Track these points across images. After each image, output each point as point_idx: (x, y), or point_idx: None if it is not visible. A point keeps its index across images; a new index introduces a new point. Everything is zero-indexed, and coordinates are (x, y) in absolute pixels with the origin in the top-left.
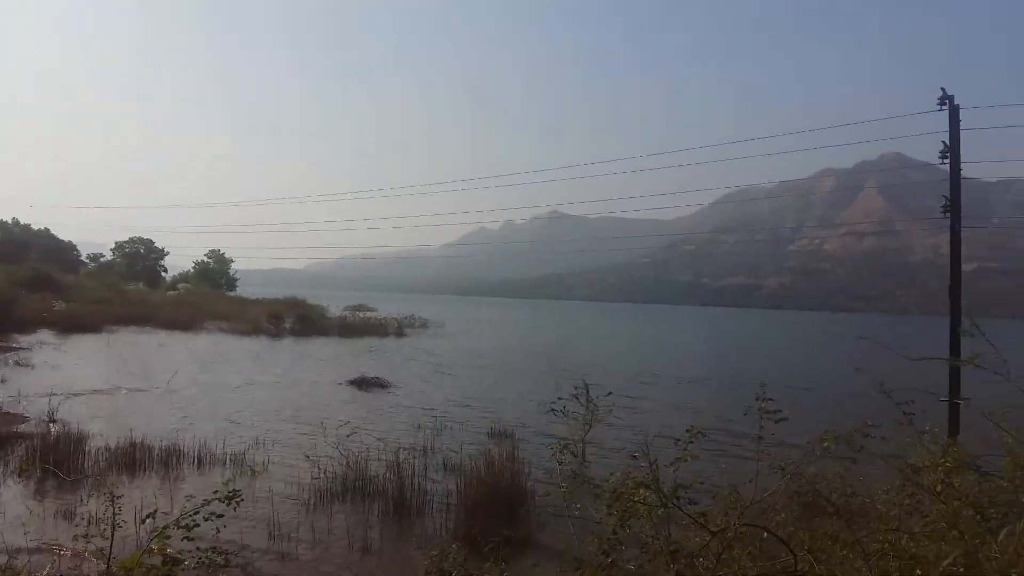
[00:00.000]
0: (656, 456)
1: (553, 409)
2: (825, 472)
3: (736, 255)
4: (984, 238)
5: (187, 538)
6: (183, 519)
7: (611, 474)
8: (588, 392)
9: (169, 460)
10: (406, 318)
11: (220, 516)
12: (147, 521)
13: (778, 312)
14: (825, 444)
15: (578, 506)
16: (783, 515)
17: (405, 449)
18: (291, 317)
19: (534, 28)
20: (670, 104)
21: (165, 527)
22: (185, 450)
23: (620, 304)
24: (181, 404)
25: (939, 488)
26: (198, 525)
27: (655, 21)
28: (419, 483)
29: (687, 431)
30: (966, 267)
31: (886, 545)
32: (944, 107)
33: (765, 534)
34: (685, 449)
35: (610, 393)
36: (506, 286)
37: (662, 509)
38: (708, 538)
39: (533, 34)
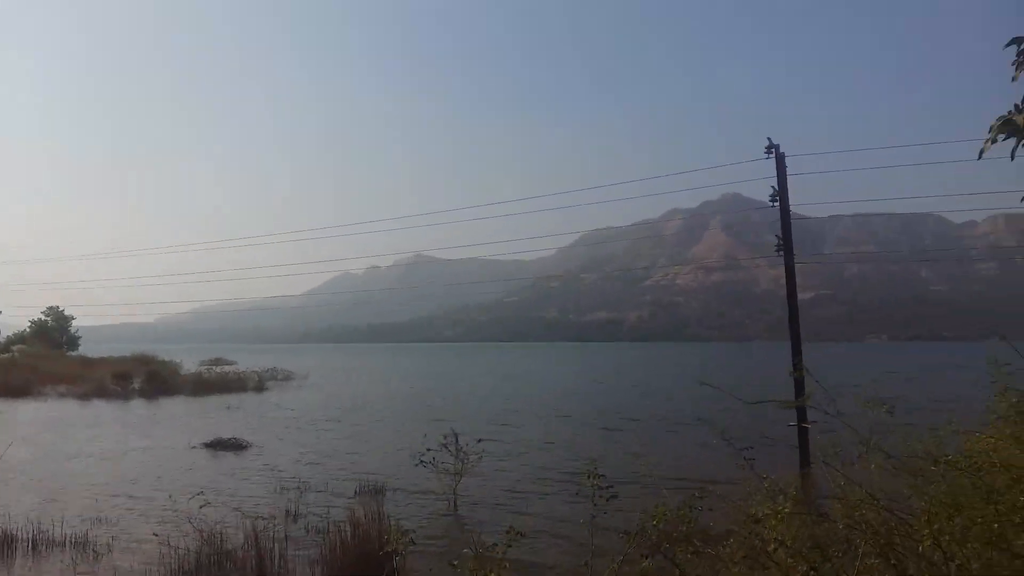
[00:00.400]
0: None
1: (423, 461)
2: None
3: (597, 292)
4: (818, 269)
5: None
6: None
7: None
8: (457, 440)
9: (0, 548)
10: (267, 371)
11: None
12: None
13: (641, 344)
14: (655, 523)
15: None
16: None
17: (264, 518)
18: (140, 376)
19: (392, 73)
20: (526, 152)
21: None
22: (18, 534)
23: (489, 343)
24: (13, 480)
25: (772, 547)
26: None
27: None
28: (281, 553)
29: (506, 533)
30: (803, 296)
31: None
32: (771, 155)
33: None
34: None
35: (480, 440)
36: (373, 331)
37: None
38: None
39: (392, 79)
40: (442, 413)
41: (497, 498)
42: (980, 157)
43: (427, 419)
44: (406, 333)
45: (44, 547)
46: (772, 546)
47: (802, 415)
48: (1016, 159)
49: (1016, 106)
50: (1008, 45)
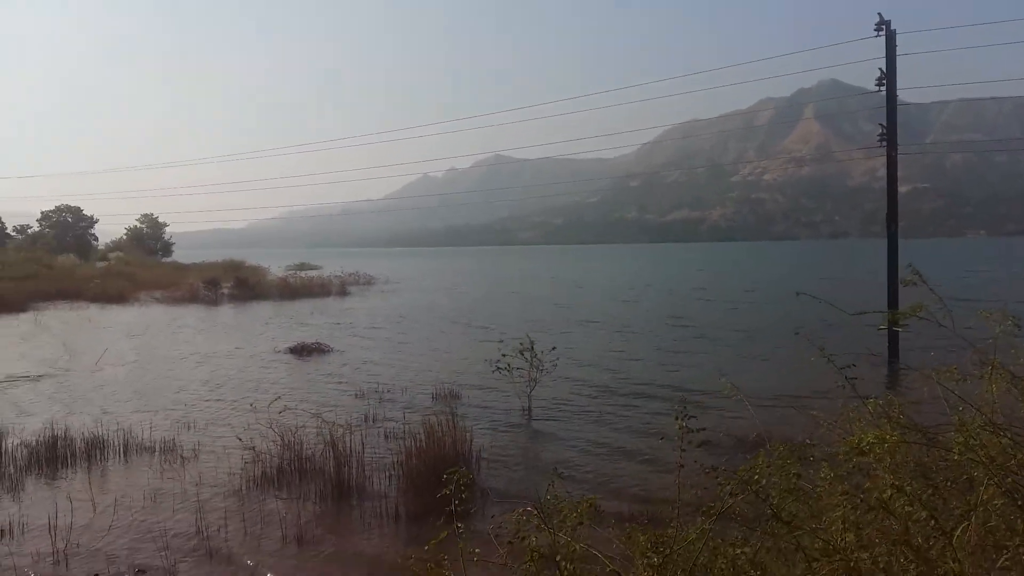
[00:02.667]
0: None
1: (498, 367)
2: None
3: (679, 190)
4: (917, 159)
5: None
6: None
7: (549, 485)
8: (533, 347)
9: (92, 453)
10: (350, 276)
11: None
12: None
13: (723, 244)
14: (764, 472)
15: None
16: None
17: (343, 425)
18: (229, 281)
19: None
20: (602, 47)
21: None
22: (110, 440)
23: (568, 246)
24: (109, 386)
25: (888, 493)
26: None
27: None
28: (358, 459)
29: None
30: (901, 189)
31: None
32: (881, 33)
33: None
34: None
35: (554, 348)
36: (453, 235)
37: None
38: None
39: None
40: (521, 318)
41: (572, 408)
42: None
43: (505, 324)
44: (485, 236)
45: (135, 452)
46: (888, 492)
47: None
48: None
49: None
50: None
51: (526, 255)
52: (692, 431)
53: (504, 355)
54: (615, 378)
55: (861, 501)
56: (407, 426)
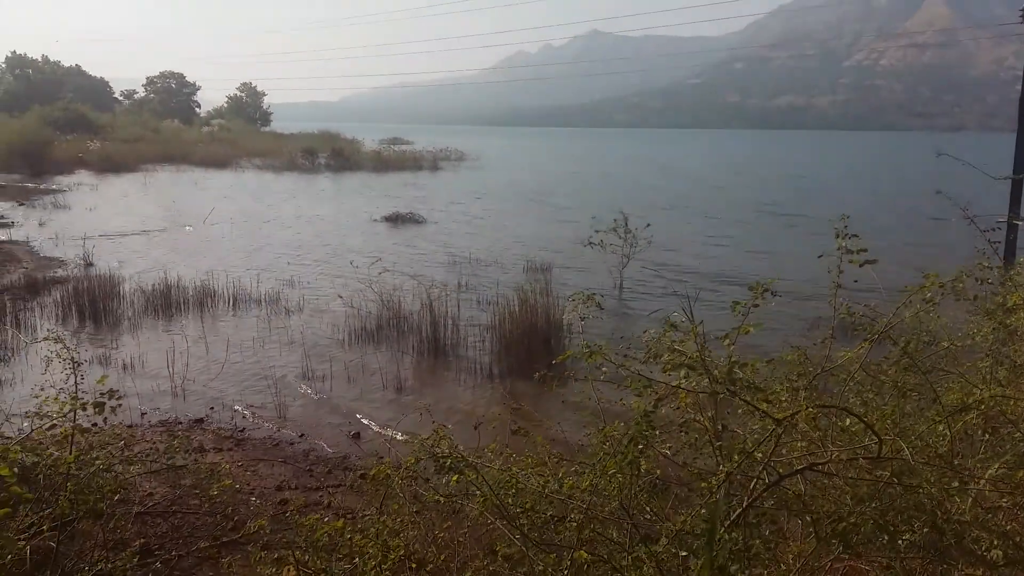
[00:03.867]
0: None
1: (591, 242)
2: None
3: (787, 73)
4: None
5: None
6: None
7: (645, 331)
8: (627, 224)
9: (204, 301)
10: (442, 151)
11: None
12: None
13: (830, 133)
14: (926, 294)
15: (603, 369)
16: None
17: (439, 286)
18: (325, 152)
19: None
20: None
21: None
22: (220, 291)
23: (665, 129)
24: (216, 242)
25: None
26: None
27: None
28: (453, 321)
29: (752, 288)
30: None
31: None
32: None
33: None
34: (750, 310)
35: (648, 225)
36: (544, 114)
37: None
38: (772, 429)
39: None
40: (611, 200)
41: (663, 286)
42: None
43: (593, 205)
44: (578, 117)
45: (242, 303)
46: None
47: (1016, 205)
48: None
49: None
50: None
51: (621, 138)
52: (853, 252)
53: (597, 231)
54: (703, 262)
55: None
56: (499, 295)
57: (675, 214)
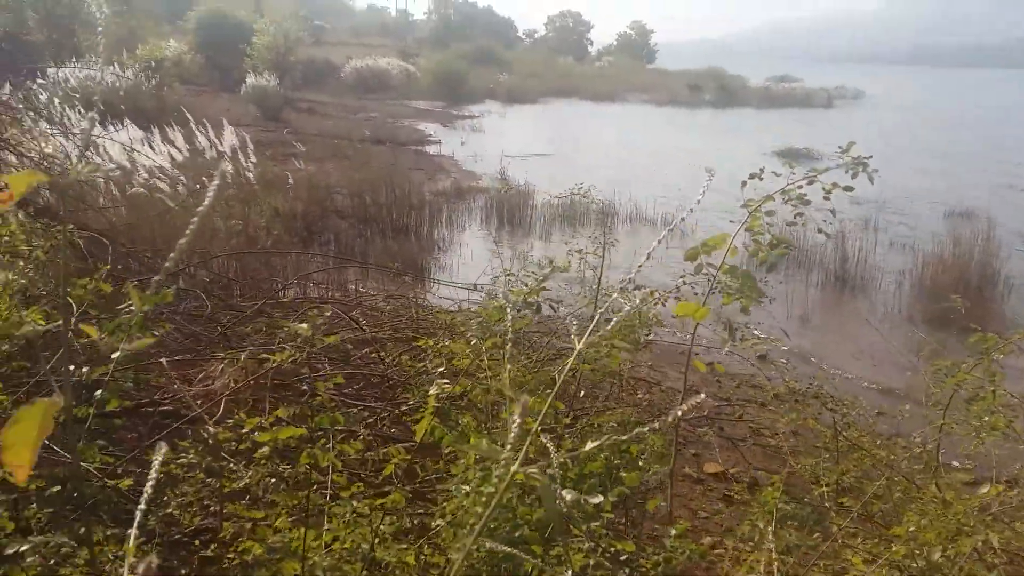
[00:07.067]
0: None
1: None
2: None
3: None
4: None
5: None
6: None
7: None
8: None
9: (603, 218)
10: (835, 88)
11: None
12: None
13: None
14: None
15: None
16: None
17: (846, 220)
18: (709, 88)
19: None
20: None
21: None
22: (619, 209)
23: None
24: (609, 169)
25: None
26: None
27: None
28: (863, 258)
29: None
30: None
31: None
32: None
33: None
34: None
35: None
36: (957, 54)
37: None
38: None
39: None
40: None
41: None
42: None
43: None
44: (998, 57)
45: (638, 221)
46: None
47: None
48: None
49: None
50: None
51: None
52: None
53: None
54: None
55: None
56: (915, 237)
57: None
